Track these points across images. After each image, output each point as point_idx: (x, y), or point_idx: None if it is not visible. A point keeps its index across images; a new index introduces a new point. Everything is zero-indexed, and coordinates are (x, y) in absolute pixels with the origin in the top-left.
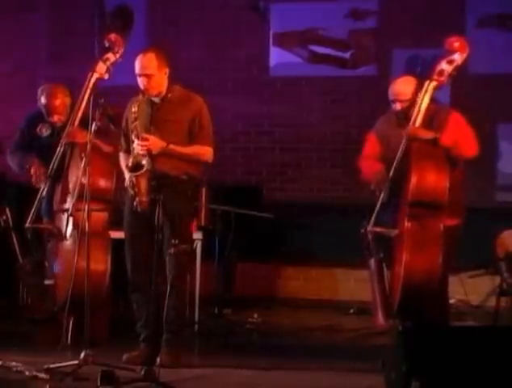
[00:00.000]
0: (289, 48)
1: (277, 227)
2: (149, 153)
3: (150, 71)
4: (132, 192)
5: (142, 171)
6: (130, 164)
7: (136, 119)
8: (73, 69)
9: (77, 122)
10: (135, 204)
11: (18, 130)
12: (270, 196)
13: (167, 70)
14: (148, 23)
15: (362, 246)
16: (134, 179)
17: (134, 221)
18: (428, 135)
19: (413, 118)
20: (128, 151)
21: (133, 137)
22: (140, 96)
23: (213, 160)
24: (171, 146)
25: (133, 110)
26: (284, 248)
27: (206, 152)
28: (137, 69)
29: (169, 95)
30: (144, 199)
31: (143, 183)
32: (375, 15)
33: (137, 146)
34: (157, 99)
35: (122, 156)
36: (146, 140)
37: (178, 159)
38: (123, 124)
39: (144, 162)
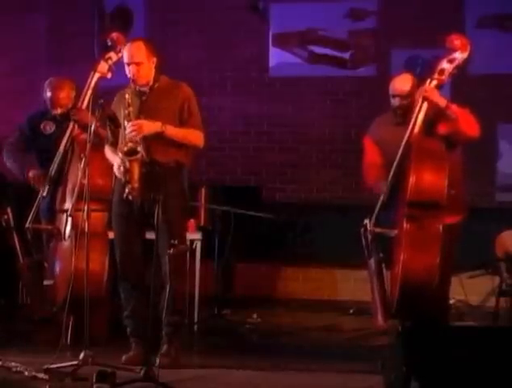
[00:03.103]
0: (289, 49)
1: (276, 227)
2: (143, 136)
3: (139, 59)
4: (123, 179)
5: (137, 156)
6: (125, 149)
7: (129, 105)
8: (73, 70)
9: (84, 105)
10: (126, 191)
11: (18, 131)
12: (269, 196)
13: (155, 60)
14: (148, 24)
15: (361, 247)
16: (128, 164)
17: (124, 212)
18: (440, 100)
19: (414, 116)
20: (114, 144)
21: (125, 123)
22: (132, 85)
23: (213, 160)
24: (167, 126)
25: (126, 97)
26: (284, 248)
27: (198, 136)
28: (126, 58)
29: (157, 85)
30: (136, 185)
31: (136, 170)
32: (375, 16)
33: (130, 132)
34: (145, 89)
35: (108, 148)
36: (138, 124)
37: (168, 145)
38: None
39: (139, 148)
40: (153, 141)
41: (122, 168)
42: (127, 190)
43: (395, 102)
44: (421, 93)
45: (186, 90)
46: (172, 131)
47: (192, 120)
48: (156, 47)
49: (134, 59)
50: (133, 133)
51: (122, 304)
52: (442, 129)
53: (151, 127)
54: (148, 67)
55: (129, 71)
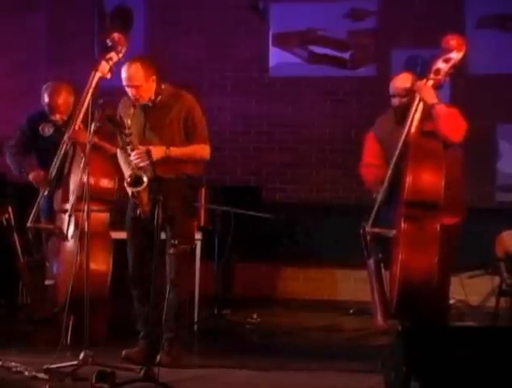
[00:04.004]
0: (289, 49)
1: (276, 227)
2: (151, 162)
3: (137, 82)
4: (132, 203)
5: (143, 186)
6: (129, 179)
7: (130, 134)
8: (73, 69)
9: (79, 121)
10: (138, 212)
11: (19, 130)
12: (269, 196)
13: (154, 77)
14: (148, 24)
15: (361, 247)
16: (135, 193)
17: (136, 223)
18: (429, 97)
19: (410, 116)
20: (124, 148)
21: (129, 151)
22: (133, 107)
23: (213, 160)
24: (171, 149)
25: (128, 122)
26: (284, 248)
27: (203, 149)
28: (124, 81)
29: (159, 98)
30: (147, 209)
31: (144, 197)
32: (375, 16)
33: (136, 159)
34: (148, 103)
35: (119, 153)
36: (144, 151)
37: (175, 161)
38: (117, 120)
39: (144, 178)
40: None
41: (130, 194)
42: (138, 211)
43: (395, 101)
44: (415, 86)
45: (189, 103)
46: (176, 152)
47: (197, 134)
48: (152, 59)
49: (132, 82)
50: (139, 161)
51: (126, 306)
52: (428, 126)
53: (157, 153)
54: (147, 87)
55: (129, 92)
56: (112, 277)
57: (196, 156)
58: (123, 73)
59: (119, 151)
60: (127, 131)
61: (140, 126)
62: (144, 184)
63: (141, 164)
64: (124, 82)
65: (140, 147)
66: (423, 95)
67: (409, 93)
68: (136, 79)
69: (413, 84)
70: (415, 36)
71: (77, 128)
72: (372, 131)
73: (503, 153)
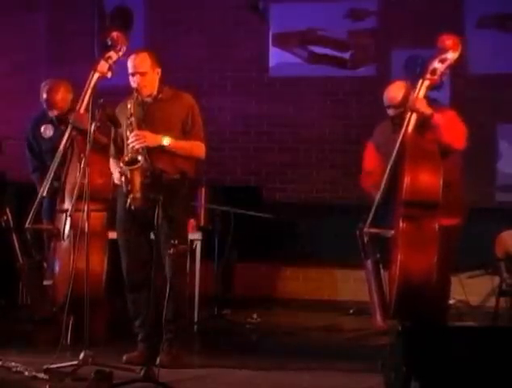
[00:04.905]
0: (289, 49)
1: (276, 227)
2: (146, 147)
3: (144, 69)
4: (125, 189)
5: (138, 165)
6: (126, 159)
7: (131, 115)
8: (73, 69)
9: (83, 107)
10: (128, 201)
11: (26, 143)
12: (269, 196)
13: (159, 70)
14: (148, 24)
15: (358, 247)
16: (128, 174)
17: (128, 219)
18: (427, 110)
19: (407, 116)
20: (117, 157)
21: (128, 133)
22: (135, 95)
23: (213, 160)
24: (168, 139)
25: (129, 106)
26: (284, 248)
27: (199, 147)
28: (131, 68)
29: (160, 95)
30: (138, 195)
31: (137, 179)
32: (375, 16)
33: (133, 142)
34: (148, 100)
35: (111, 161)
36: (142, 134)
37: (172, 157)
38: (118, 119)
39: (139, 157)
40: (159, 152)
41: (123, 178)
42: (129, 200)
43: (390, 112)
44: (408, 104)
45: (189, 102)
46: (174, 145)
47: (194, 132)
48: (158, 54)
49: (139, 69)
50: (135, 143)
51: (125, 305)
52: (429, 136)
53: (154, 139)
54: (152, 77)
55: (134, 81)
56: (110, 277)
57: (193, 152)
58: (130, 63)
59: (111, 160)
60: (128, 113)
61: (139, 121)
62: (139, 163)
63: (137, 146)
64: (131, 70)
65: (137, 131)
66: (418, 109)
67: (403, 103)
68: (142, 66)
69: (406, 93)
70: (415, 36)
71: (82, 113)
72: (371, 142)
73: (503, 153)
